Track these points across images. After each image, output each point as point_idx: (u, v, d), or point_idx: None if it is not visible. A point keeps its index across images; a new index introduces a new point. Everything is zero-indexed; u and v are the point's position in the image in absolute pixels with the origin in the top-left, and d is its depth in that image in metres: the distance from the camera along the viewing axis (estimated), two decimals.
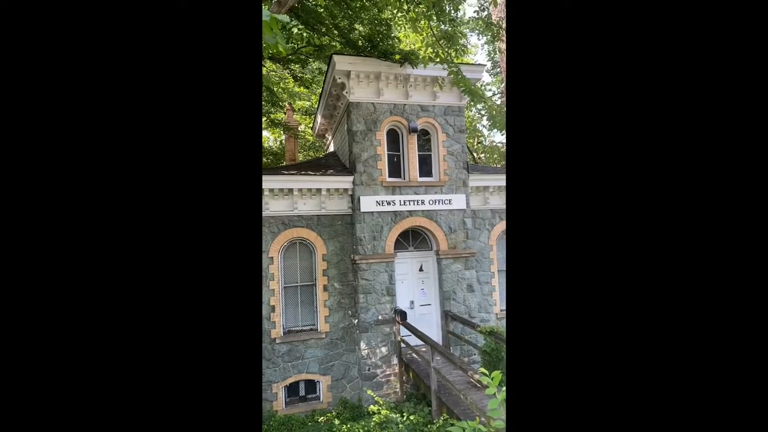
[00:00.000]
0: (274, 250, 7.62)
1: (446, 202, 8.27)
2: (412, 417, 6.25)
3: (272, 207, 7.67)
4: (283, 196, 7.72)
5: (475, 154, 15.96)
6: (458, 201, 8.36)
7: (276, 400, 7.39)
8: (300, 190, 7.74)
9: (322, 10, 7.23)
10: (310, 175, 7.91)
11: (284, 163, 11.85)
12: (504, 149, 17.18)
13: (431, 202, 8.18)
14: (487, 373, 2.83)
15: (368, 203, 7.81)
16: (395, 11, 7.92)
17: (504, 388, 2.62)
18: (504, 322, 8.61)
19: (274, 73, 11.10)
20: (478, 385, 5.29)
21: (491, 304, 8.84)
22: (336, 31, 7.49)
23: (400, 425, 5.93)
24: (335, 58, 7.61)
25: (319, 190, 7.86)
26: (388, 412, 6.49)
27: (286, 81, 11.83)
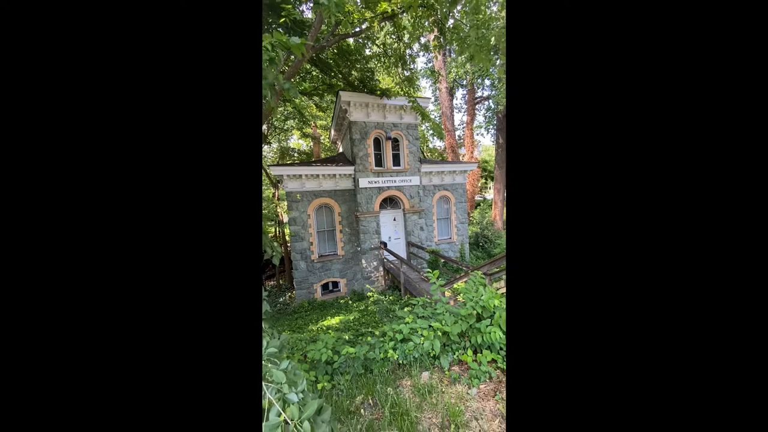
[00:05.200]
0: (310, 210, 7.67)
1: (408, 181, 8.29)
2: (390, 297, 6.61)
3: (307, 186, 7.60)
4: (313, 179, 7.63)
5: (424, 153, 15.72)
6: (415, 180, 8.38)
7: (316, 292, 7.74)
8: (323, 175, 7.61)
9: (331, 61, 6.75)
10: (329, 166, 7.74)
11: (313, 159, 11.52)
12: (442, 149, 17.10)
13: (400, 181, 8.18)
14: (430, 272, 3.20)
15: (363, 182, 7.77)
16: (376, 63, 7.53)
17: (439, 279, 3.00)
18: (440, 246, 9.02)
19: (303, 102, 10.45)
20: (426, 279, 5.58)
21: (432, 237, 9.15)
22: (340, 75, 7.05)
23: (384, 301, 6.24)
24: (341, 93, 7.26)
25: (334, 175, 7.73)
26: (378, 295, 6.78)
27: (311, 108, 11.18)
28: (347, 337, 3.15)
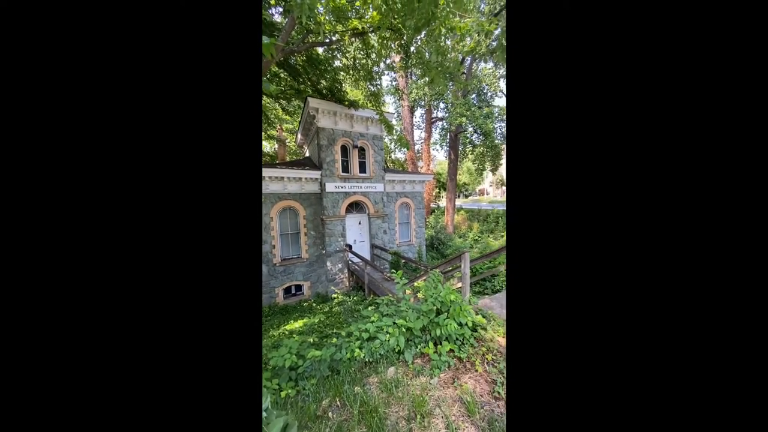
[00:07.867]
0: (273, 212, 7.08)
1: (373, 187, 8.29)
2: (355, 298, 6.48)
3: (271, 187, 7.03)
4: (278, 181, 7.11)
5: (387, 163, 16.01)
6: (379, 187, 8.43)
7: (277, 297, 7.15)
8: (289, 177, 7.14)
9: (300, 67, 6.43)
10: (295, 169, 7.29)
11: (277, 161, 10.71)
12: (403, 160, 17.70)
13: (365, 187, 8.14)
14: (395, 272, 3.21)
15: (330, 187, 7.52)
16: (345, 75, 7.42)
17: (403, 279, 3.04)
18: (401, 248, 9.20)
19: (269, 104, 9.69)
20: (389, 279, 5.74)
21: (394, 239, 9.32)
22: (309, 82, 6.76)
23: (349, 302, 6.09)
24: (309, 99, 6.93)
25: (300, 178, 7.31)
26: (342, 297, 6.52)
27: (277, 110, 10.42)
28: (312, 340, 2.95)
